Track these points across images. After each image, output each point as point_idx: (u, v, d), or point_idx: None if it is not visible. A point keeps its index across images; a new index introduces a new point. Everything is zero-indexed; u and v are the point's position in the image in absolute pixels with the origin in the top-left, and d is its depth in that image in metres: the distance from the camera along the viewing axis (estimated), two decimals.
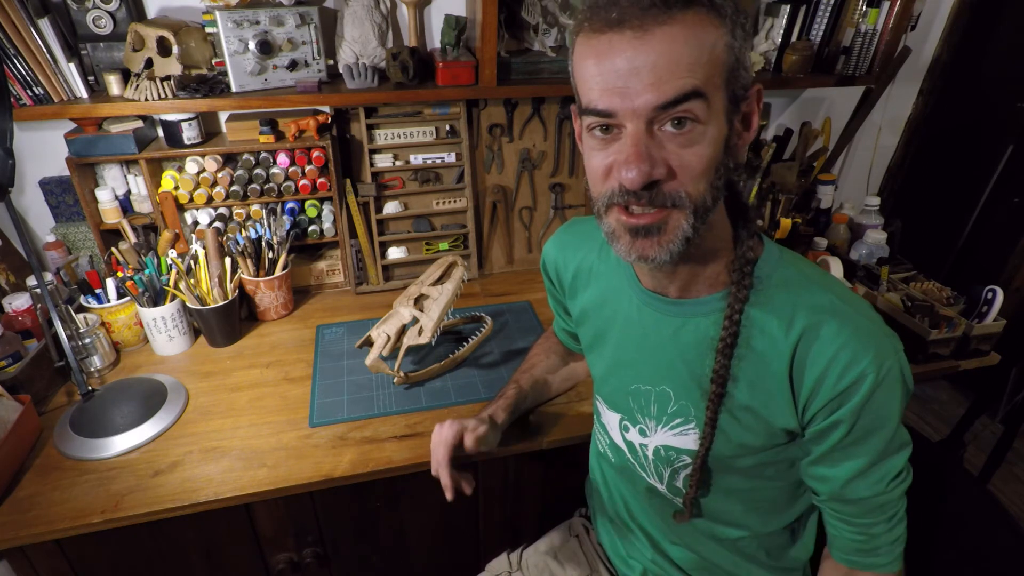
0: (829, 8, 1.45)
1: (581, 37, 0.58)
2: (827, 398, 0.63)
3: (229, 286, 1.25)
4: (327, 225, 1.44)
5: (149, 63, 1.19)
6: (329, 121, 1.37)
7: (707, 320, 0.69)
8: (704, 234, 0.62)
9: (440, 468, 0.85)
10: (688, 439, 0.74)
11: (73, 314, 1.13)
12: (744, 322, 0.66)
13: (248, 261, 1.29)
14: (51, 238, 1.35)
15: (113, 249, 1.28)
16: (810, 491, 0.73)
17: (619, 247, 0.63)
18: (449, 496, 0.85)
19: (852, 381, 0.62)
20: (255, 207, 1.36)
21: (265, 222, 1.33)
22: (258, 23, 1.22)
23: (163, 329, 1.21)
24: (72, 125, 1.26)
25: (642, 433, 0.78)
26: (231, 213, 1.38)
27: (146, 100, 1.20)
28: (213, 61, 1.27)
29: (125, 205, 1.35)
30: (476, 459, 0.96)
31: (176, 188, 1.31)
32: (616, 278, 0.79)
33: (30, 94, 1.17)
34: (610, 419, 0.84)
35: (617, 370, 0.80)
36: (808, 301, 0.65)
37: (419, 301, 1.16)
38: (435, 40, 1.43)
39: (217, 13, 1.18)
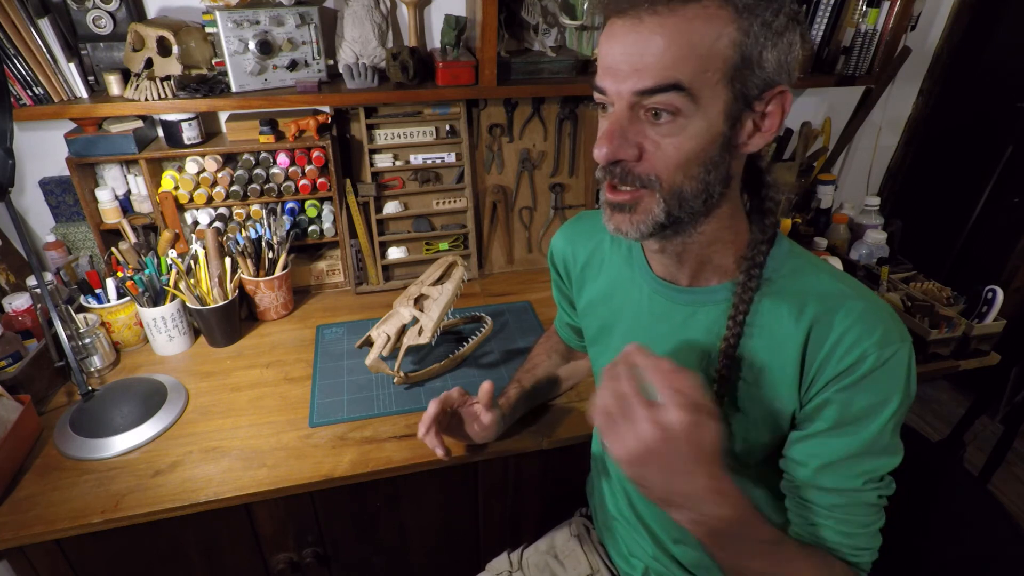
0: (829, 8, 1.45)
1: (605, 21, 0.61)
2: (828, 377, 0.63)
3: (229, 286, 1.25)
4: (327, 225, 1.44)
5: (149, 63, 1.19)
6: (329, 121, 1.37)
7: (717, 309, 0.70)
8: (705, 223, 0.65)
9: (431, 406, 0.89)
10: None
11: (73, 314, 1.13)
12: (755, 314, 0.67)
13: (248, 261, 1.29)
14: (51, 238, 1.35)
15: (113, 249, 1.28)
16: (784, 479, 0.71)
17: (604, 217, 0.67)
18: (422, 432, 0.89)
19: (854, 360, 0.62)
20: (255, 207, 1.36)
21: (265, 222, 1.33)
22: (258, 23, 1.22)
23: (163, 329, 1.21)
24: (72, 125, 1.26)
25: None
26: (231, 213, 1.38)
27: (146, 100, 1.20)
28: (213, 61, 1.27)
29: (125, 205, 1.35)
30: (474, 442, 0.98)
31: (176, 188, 1.31)
32: (627, 268, 0.80)
33: (30, 94, 1.17)
34: None
35: None
36: (818, 290, 0.66)
37: (419, 301, 1.16)
38: (435, 40, 1.43)
39: (217, 13, 1.18)
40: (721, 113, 0.58)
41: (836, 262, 1.37)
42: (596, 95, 0.62)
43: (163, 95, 1.21)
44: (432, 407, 0.89)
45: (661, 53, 0.55)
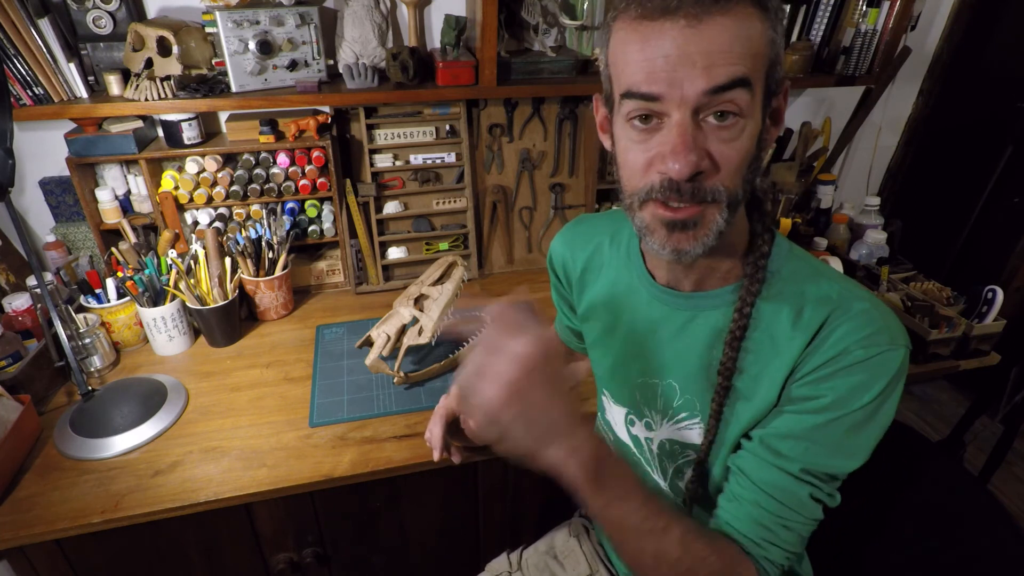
0: (829, 8, 1.45)
1: (625, 22, 0.57)
2: (810, 368, 0.63)
3: (229, 286, 1.25)
4: (327, 225, 1.44)
5: (149, 63, 1.19)
6: (329, 121, 1.37)
7: (717, 312, 0.70)
8: (728, 228, 0.62)
9: (434, 424, 0.89)
10: (693, 433, 0.74)
11: (73, 314, 1.13)
12: (754, 315, 0.66)
13: (248, 261, 1.29)
14: (51, 238, 1.35)
15: (113, 249, 1.28)
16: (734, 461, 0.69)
17: (653, 241, 0.62)
18: (436, 456, 0.89)
19: (836, 353, 0.61)
20: (255, 207, 1.36)
21: (265, 222, 1.33)
22: (258, 23, 1.22)
23: (163, 329, 1.21)
24: (72, 125, 1.26)
25: (648, 427, 0.79)
26: (231, 213, 1.38)
27: (146, 100, 1.20)
28: (213, 61, 1.27)
29: (125, 205, 1.35)
30: (475, 444, 0.97)
31: (176, 188, 1.31)
32: (625, 272, 0.79)
33: (30, 94, 1.17)
34: (616, 414, 0.84)
35: (625, 363, 0.80)
36: (816, 293, 0.65)
37: (419, 301, 1.16)
38: (435, 40, 1.43)
39: (217, 13, 1.18)
40: (760, 110, 0.58)
41: (836, 262, 1.37)
42: (636, 106, 0.57)
43: (163, 95, 1.21)
44: (438, 432, 0.89)
45: (728, 49, 0.54)
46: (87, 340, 1.14)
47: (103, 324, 1.19)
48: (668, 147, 0.56)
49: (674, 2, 0.53)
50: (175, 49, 1.17)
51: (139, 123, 1.27)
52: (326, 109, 1.39)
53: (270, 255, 1.32)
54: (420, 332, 1.12)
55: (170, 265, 1.22)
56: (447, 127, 1.45)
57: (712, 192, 0.58)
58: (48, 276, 1.23)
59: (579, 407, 0.58)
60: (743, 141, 0.57)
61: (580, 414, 0.57)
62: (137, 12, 1.25)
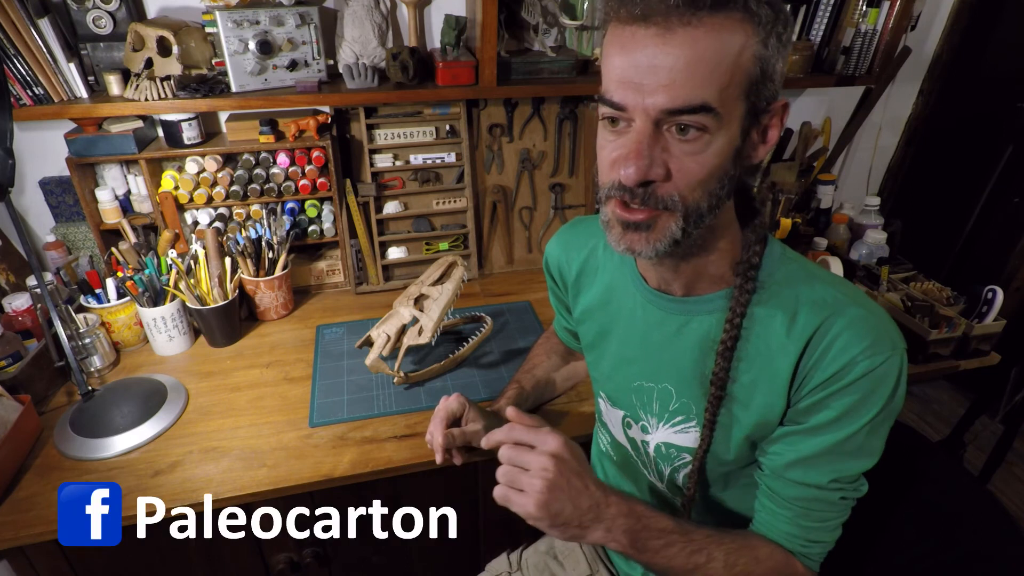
0: (829, 8, 1.46)
1: (612, 24, 0.58)
2: (816, 382, 0.63)
3: (229, 286, 1.25)
4: (327, 225, 1.44)
5: (149, 63, 1.19)
6: (329, 121, 1.37)
7: (711, 318, 0.70)
8: (704, 235, 0.63)
9: (435, 427, 0.89)
10: (688, 437, 0.74)
11: (73, 314, 1.13)
12: (747, 321, 0.66)
13: (248, 261, 1.29)
14: (51, 238, 1.35)
15: (113, 249, 1.28)
16: (757, 469, 0.72)
17: (611, 236, 0.64)
18: (439, 459, 0.90)
19: (841, 366, 0.62)
20: (255, 207, 1.36)
21: (265, 222, 1.33)
22: (258, 23, 1.22)
23: (163, 329, 1.21)
24: (72, 125, 1.26)
25: (644, 430, 0.79)
26: (231, 213, 1.38)
27: (146, 100, 1.20)
28: (213, 61, 1.27)
29: (125, 205, 1.35)
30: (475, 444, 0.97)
31: (176, 188, 1.31)
32: (620, 275, 0.79)
33: (30, 94, 1.17)
34: (613, 416, 0.84)
35: (620, 367, 0.80)
36: (811, 297, 0.65)
37: (419, 301, 1.16)
38: (435, 40, 1.43)
39: (217, 13, 1.18)
40: (738, 127, 0.58)
41: (836, 262, 1.37)
42: (606, 110, 0.58)
43: (163, 95, 1.21)
44: (439, 434, 0.89)
45: (692, 69, 0.53)
46: (87, 340, 1.14)
47: (103, 324, 1.19)
48: (625, 151, 0.57)
49: (639, 9, 0.53)
50: (175, 49, 1.17)
51: (139, 123, 1.27)
52: (326, 109, 1.39)
53: (270, 255, 1.32)
54: (420, 332, 1.13)
55: (170, 265, 1.22)
56: (447, 127, 1.45)
57: (664, 201, 0.58)
58: (48, 276, 1.23)
59: (603, 486, 0.66)
60: (707, 156, 0.57)
61: (606, 493, 0.65)
62: (137, 12, 1.25)
